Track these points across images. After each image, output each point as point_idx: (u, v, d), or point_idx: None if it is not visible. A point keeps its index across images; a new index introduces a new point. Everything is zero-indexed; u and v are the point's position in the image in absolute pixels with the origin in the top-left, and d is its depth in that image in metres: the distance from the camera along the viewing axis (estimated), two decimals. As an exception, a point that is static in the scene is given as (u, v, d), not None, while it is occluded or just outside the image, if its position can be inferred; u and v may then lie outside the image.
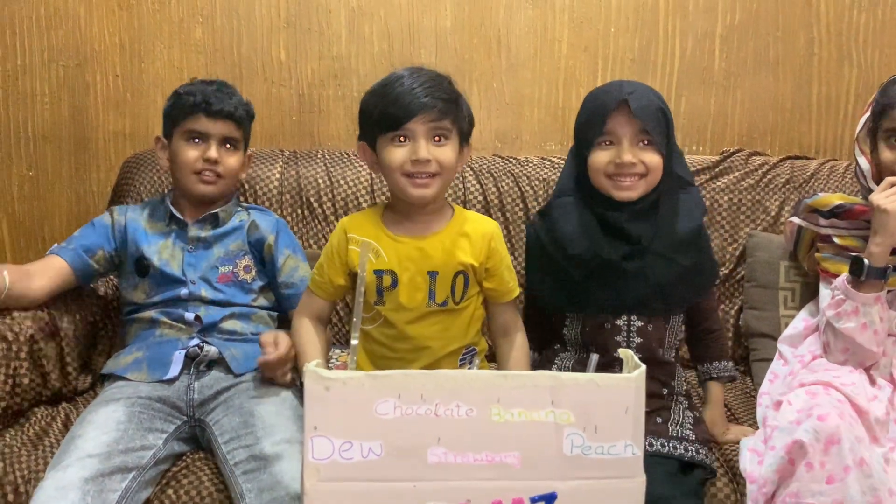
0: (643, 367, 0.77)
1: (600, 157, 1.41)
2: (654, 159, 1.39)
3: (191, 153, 1.65)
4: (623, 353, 0.82)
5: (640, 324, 1.45)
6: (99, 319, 1.79)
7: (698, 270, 1.48)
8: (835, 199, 1.62)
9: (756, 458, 1.36)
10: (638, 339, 1.45)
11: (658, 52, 2.18)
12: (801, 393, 1.38)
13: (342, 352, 1.85)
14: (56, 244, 1.68)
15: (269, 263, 1.71)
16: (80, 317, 1.70)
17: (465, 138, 1.44)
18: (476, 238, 1.44)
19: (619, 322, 1.45)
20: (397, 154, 1.36)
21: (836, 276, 1.58)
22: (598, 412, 0.77)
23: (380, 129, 1.38)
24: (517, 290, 1.51)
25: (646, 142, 1.39)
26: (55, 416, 1.55)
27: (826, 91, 2.18)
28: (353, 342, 0.84)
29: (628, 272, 1.41)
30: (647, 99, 1.39)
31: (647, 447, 1.33)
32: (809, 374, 1.48)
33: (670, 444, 1.35)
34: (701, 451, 1.37)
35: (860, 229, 1.58)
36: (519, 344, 1.50)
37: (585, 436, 0.77)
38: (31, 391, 1.54)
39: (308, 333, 1.49)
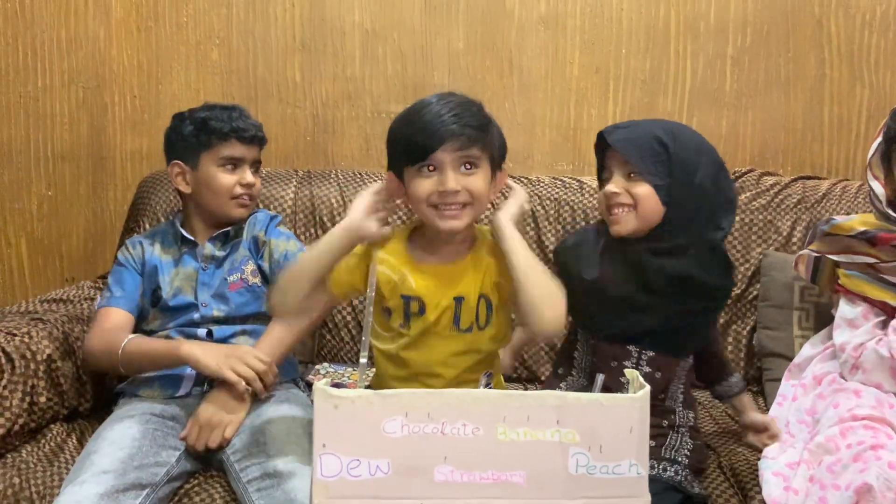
0: (648, 387, 0.78)
1: (602, 191, 1.44)
2: (641, 190, 1.37)
3: (229, 179, 1.67)
4: (629, 373, 0.83)
5: (648, 369, 1.43)
6: (114, 337, 1.81)
7: (710, 318, 1.48)
8: (857, 224, 1.59)
9: (782, 482, 1.34)
10: (647, 369, 1.42)
11: (669, 73, 2.19)
12: (859, 428, 1.35)
13: (354, 370, 1.87)
14: (100, 297, 1.70)
15: (262, 257, 1.72)
16: (95, 335, 1.72)
17: (497, 165, 1.37)
18: (493, 260, 1.38)
19: (626, 363, 1.42)
20: (424, 185, 1.30)
21: (856, 294, 1.58)
22: (602, 432, 0.77)
23: (406, 160, 1.32)
24: None
25: (634, 174, 1.38)
26: (70, 433, 1.56)
27: (838, 112, 2.18)
28: (362, 360, 0.86)
29: (637, 305, 1.39)
30: (639, 130, 1.39)
31: None
32: (858, 405, 1.46)
33: (660, 466, 1.34)
34: (689, 476, 1.35)
35: (890, 260, 1.56)
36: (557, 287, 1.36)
37: (590, 455, 0.77)
38: (49, 409, 1.56)
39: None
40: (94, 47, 2.22)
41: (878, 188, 1.59)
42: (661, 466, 1.34)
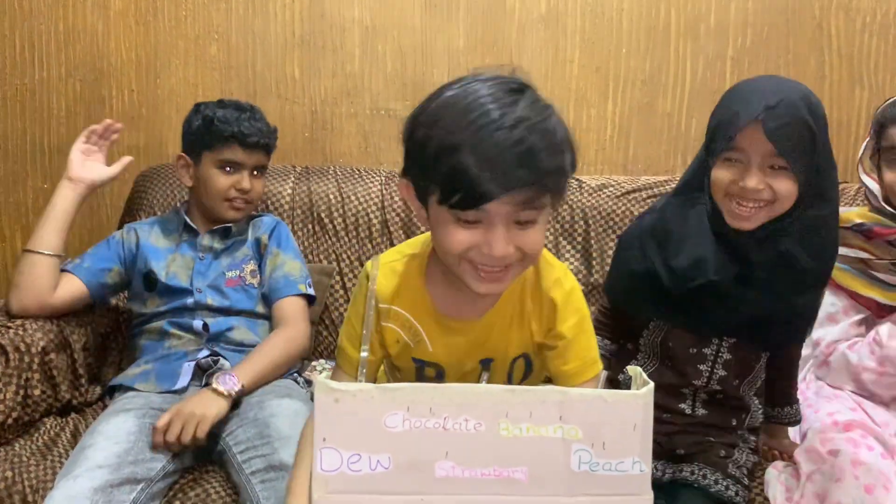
0: (651, 384, 0.77)
1: (723, 175, 1.22)
2: (785, 187, 1.19)
3: (224, 181, 1.68)
4: (631, 370, 0.82)
5: (728, 356, 1.34)
6: (110, 331, 1.80)
7: (810, 312, 1.36)
8: (854, 216, 1.59)
9: (785, 491, 1.35)
10: (722, 372, 1.35)
11: (669, 73, 2.19)
12: (840, 439, 1.36)
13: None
14: (69, 260, 1.70)
15: (262, 263, 1.73)
16: (90, 329, 1.71)
17: (559, 200, 1.01)
18: (536, 306, 1.09)
19: (706, 350, 1.33)
20: (461, 237, 0.94)
21: (843, 288, 1.58)
22: (606, 428, 0.76)
23: (443, 196, 0.92)
24: (600, 364, 1.13)
25: (779, 166, 1.19)
26: (64, 427, 1.55)
27: (837, 114, 2.18)
28: (363, 354, 0.85)
29: (734, 297, 1.25)
30: (790, 115, 1.16)
31: (701, 478, 1.30)
32: (838, 411, 1.46)
33: (724, 483, 1.30)
34: (745, 498, 1.33)
35: (887, 258, 1.55)
36: None
37: (593, 452, 0.77)
38: (43, 402, 1.55)
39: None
40: (92, 41, 2.21)
41: (873, 185, 1.60)
42: (724, 483, 1.29)
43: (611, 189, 2.02)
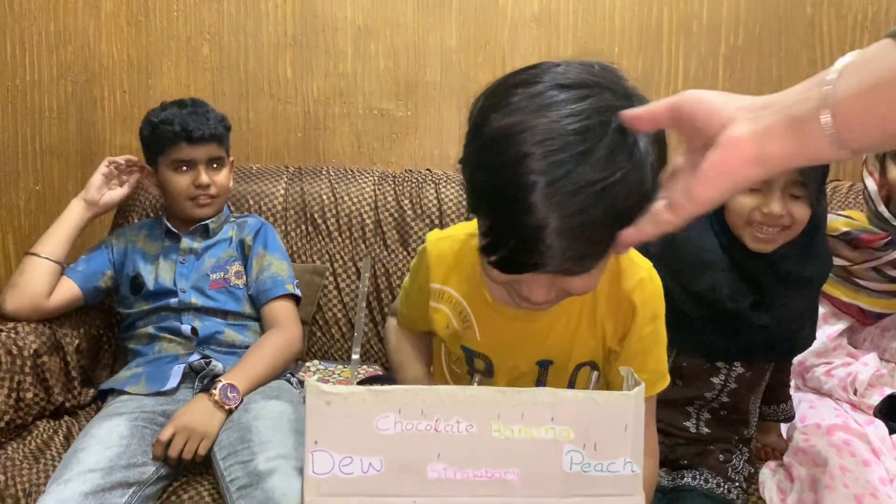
0: (643, 384, 0.77)
1: (744, 202, 1.24)
2: (802, 212, 1.24)
3: (182, 181, 1.68)
4: (623, 369, 0.83)
5: (741, 370, 1.36)
6: (102, 333, 1.80)
7: (813, 314, 1.40)
8: (840, 224, 1.58)
9: (780, 494, 1.36)
10: (734, 385, 1.36)
11: (662, 72, 2.19)
12: (825, 444, 1.36)
13: (344, 367, 1.86)
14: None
15: (247, 264, 1.73)
16: (83, 331, 1.71)
17: None
18: (612, 308, 0.98)
19: (719, 364, 1.35)
20: (500, 277, 0.83)
21: (828, 296, 1.58)
22: (597, 429, 0.76)
23: (485, 250, 0.80)
24: (667, 378, 1.03)
25: (797, 193, 1.23)
26: (57, 430, 1.55)
27: (829, 112, 2.18)
28: (354, 356, 0.85)
29: (749, 322, 1.29)
30: None
31: (703, 482, 1.31)
32: (823, 418, 1.47)
33: (725, 486, 1.31)
34: (742, 498, 1.35)
35: (869, 261, 1.55)
36: (649, 469, 1.00)
37: (585, 453, 0.77)
38: (35, 405, 1.55)
39: (405, 350, 1.13)
40: (84, 41, 2.20)
41: (872, 185, 1.60)
42: (726, 486, 1.31)
43: (604, 188, 2.02)
